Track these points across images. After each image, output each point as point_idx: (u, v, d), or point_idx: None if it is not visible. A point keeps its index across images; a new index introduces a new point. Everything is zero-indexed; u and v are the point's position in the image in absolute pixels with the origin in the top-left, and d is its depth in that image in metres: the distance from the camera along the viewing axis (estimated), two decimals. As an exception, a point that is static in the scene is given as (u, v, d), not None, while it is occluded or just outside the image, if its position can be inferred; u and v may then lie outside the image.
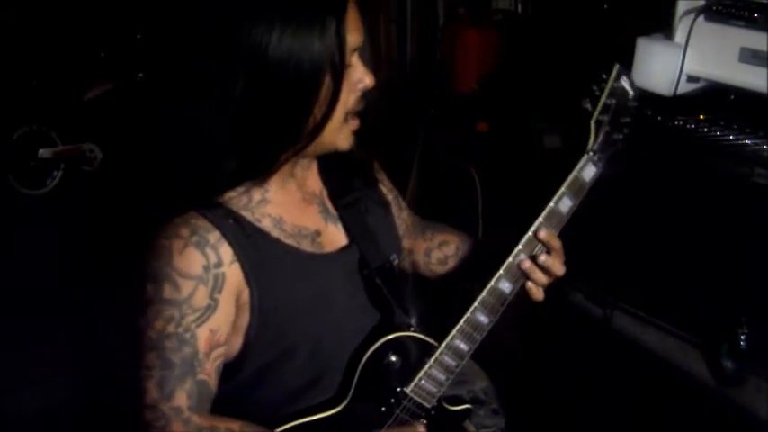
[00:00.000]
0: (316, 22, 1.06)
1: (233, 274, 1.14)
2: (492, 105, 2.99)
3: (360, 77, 1.15)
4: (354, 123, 1.20)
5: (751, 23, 1.57)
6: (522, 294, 1.30)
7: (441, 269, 1.52)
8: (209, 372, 1.15)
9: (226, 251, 1.14)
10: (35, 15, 4.06)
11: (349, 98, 1.15)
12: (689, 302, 1.88)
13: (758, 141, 1.62)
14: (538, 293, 1.28)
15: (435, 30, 3.30)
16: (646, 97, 1.67)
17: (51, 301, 3.13)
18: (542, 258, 1.24)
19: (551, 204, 1.25)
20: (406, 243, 1.51)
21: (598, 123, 1.25)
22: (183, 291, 1.11)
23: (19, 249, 3.49)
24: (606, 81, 1.24)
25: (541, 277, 1.26)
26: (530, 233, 1.25)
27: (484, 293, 1.26)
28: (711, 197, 1.78)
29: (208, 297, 1.13)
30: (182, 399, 1.13)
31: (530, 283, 1.27)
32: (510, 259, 1.26)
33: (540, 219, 1.25)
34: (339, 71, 1.09)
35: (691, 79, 1.74)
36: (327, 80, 1.09)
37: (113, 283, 3.18)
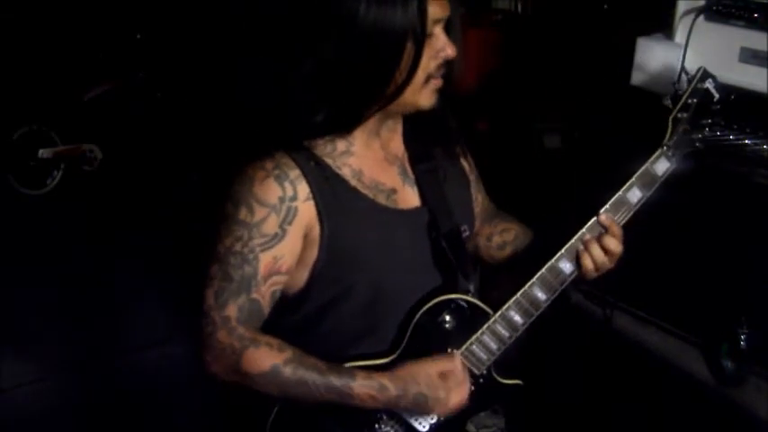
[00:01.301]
0: None
1: (306, 210, 1.24)
2: (492, 105, 2.99)
3: (441, 47, 1.24)
4: (437, 82, 1.28)
5: (751, 23, 1.57)
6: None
7: (498, 254, 1.56)
8: (263, 294, 1.24)
9: (303, 188, 1.24)
10: (35, 15, 4.06)
11: (430, 64, 1.24)
12: (689, 302, 1.88)
13: (758, 141, 1.62)
14: (592, 273, 1.33)
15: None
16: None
17: (51, 301, 3.13)
18: (605, 240, 1.30)
19: (620, 193, 1.31)
20: (476, 226, 1.56)
21: (676, 120, 1.30)
22: (256, 216, 1.22)
23: (19, 249, 3.49)
24: (690, 81, 1.29)
25: (599, 254, 1.30)
26: (595, 218, 1.30)
27: (543, 270, 1.31)
28: (712, 197, 1.78)
29: (277, 226, 1.23)
30: (232, 310, 1.22)
31: (586, 260, 1.31)
32: (573, 240, 1.31)
33: (607, 206, 1.31)
34: (420, 40, 1.19)
35: (691, 79, 1.74)
36: (409, 47, 1.19)
37: (113, 282, 3.18)
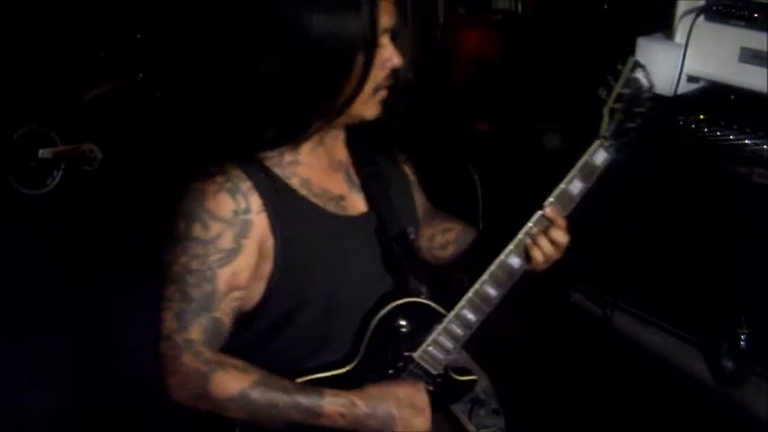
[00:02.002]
0: (351, 5, 1.16)
1: (260, 222, 1.22)
2: (492, 105, 2.99)
3: (389, 57, 1.24)
4: (382, 93, 1.28)
5: (751, 23, 1.57)
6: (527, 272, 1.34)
7: (441, 254, 1.57)
8: (225, 311, 1.21)
9: (255, 200, 1.22)
10: (35, 15, 4.06)
11: (378, 74, 1.24)
12: (689, 302, 1.88)
13: (758, 141, 1.63)
14: (542, 265, 1.34)
15: (435, 29, 3.30)
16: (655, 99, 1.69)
17: (51, 301, 3.13)
18: (552, 232, 1.31)
19: (562, 185, 1.32)
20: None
21: (611, 111, 1.31)
22: (211, 231, 1.19)
23: (19, 249, 3.49)
24: (621, 71, 1.30)
25: (547, 246, 1.31)
26: (539, 212, 1.32)
27: (493, 267, 1.32)
28: (711, 197, 1.78)
29: (233, 240, 1.20)
30: (195, 332, 1.19)
31: (535, 254, 1.32)
32: (520, 235, 1.32)
33: (551, 198, 1.32)
34: (370, 50, 1.19)
35: (691, 79, 1.74)
36: (360, 58, 1.19)
37: (113, 282, 3.19)
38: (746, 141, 1.64)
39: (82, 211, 3.87)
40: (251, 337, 1.29)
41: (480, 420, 2.77)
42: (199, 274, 1.19)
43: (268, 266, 1.24)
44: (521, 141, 2.86)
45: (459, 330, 1.34)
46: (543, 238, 1.31)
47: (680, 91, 1.73)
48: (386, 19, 1.21)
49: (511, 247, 1.32)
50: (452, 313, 1.33)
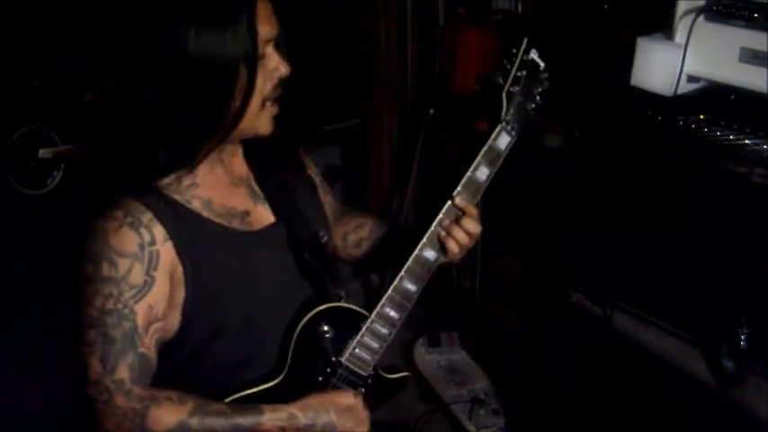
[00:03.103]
0: (228, 19, 1.15)
1: (166, 251, 1.21)
2: (491, 105, 2.98)
3: (275, 66, 1.23)
4: (273, 109, 1.27)
5: (751, 23, 1.57)
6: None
7: (356, 252, 1.58)
8: (148, 345, 1.21)
9: (158, 230, 1.21)
10: (35, 15, 4.06)
11: (265, 86, 1.23)
12: (689, 302, 1.88)
13: (758, 141, 1.62)
14: (458, 255, 1.35)
15: (435, 30, 3.30)
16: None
17: (51, 301, 3.13)
18: (464, 222, 1.32)
19: (468, 173, 1.35)
20: None
21: (509, 95, 1.36)
22: (121, 268, 1.18)
23: (19, 249, 3.49)
24: (516, 55, 1.33)
25: (462, 236, 1.33)
26: (449, 202, 1.33)
27: (410, 262, 1.32)
28: (711, 197, 1.78)
29: (144, 274, 1.19)
30: (124, 372, 1.18)
31: (450, 245, 1.32)
32: (432, 227, 1.33)
33: (459, 187, 1.34)
34: (253, 62, 1.18)
35: (691, 79, 1.74)
36: (243, 72, 1.17)
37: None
38: (746, 141, 1.64)
39: (82, 211, 3.87)
40: (177, 363, 1.28)
41: (480, 420, 2.77)
42: (117, 314, 1.17)
43: (181, 294, 1.23)
44: (521, 141, 2.85)
45: (383, 329, 1.35)
46: (456, 228, 1.32)
47: (680, 91, 1.73)
48: (267, 28, 1.19)
49: (424, 240, 1.32)
50: (374, 313, 1.34)
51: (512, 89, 1.35)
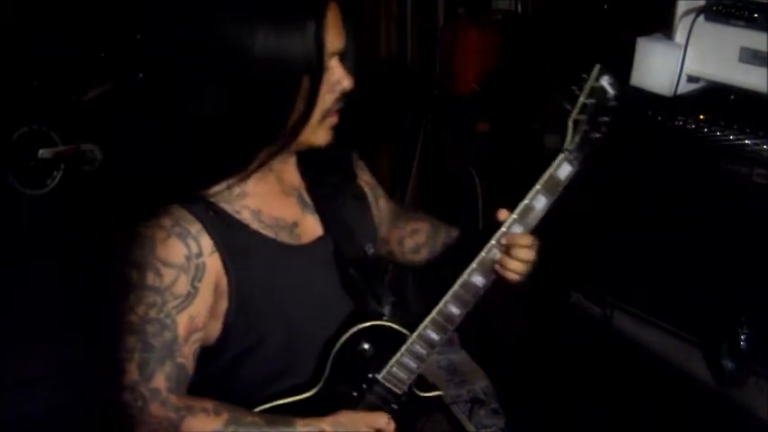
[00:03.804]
0: (296, 26, 1.11)
1: (213, 263, 1.20)
2: (492, 105, 2.98)
3: (338, 80, 1.20)
4: (332, 120, 1.24)
5: (751, 23, 1.57)
6: (513, 289, 1.33)
7: (415, 257, 1.57)
8: (186, 355, 1.20)
9: (206, 242, 1.19)
10: (35, 15, 4.06)
11: (326, 99, 1.20)
12: (689, 302, 1.88)
13: (758, 141, 1.62)
14: (515, 281, 1.33)
15: (435, 30, 3.30)
16: (646, 100, 1.67)
17: (51, 301, 3.13)
18: (515, 252, 1.29)
19: (525, 201, 1.29)
20: (383, 232, 1.56)
21: (576, 123, 1.28)
22: (166, 279, 1.16)
23: (19, 249, 3.49)
24: (586, 81, 1.26)
25: (517, 267, 1.30)
26: (503, 228, 1.29)
27: (456, 286, 1.30)
28: (711, 197, 1.78)
29: (189, 285, 1.18)
30: (160, 381, 1.17)
31: (507, 275, 1.31)
32: (483, 254, 1.29)
33: (514, 215, 1.29)
34: (317, 74, 1.15)
35: (691, 79, 1.74)
36: (305, 82, 1.14)
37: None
38: (746, 141, 1.64)
39: (82, 211, 3.87)
40: (215, 370, 1.28)
41: (480, 420, 2.78)
42: (158, 323, 1.16)
43: (224, 305, 1.22)
44: (521, 141, 2.85)
45: (422, 350, 1.33)
46: (509, 259, 1.29)
47: (680, 91, 1.73)
48: (334, 40, 1.16)
49: (474, 265, 1.29)
50: (415, 334, 1.32)
51: (578, 117, 1.28)
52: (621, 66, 1.84)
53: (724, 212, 1.76)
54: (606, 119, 1.28)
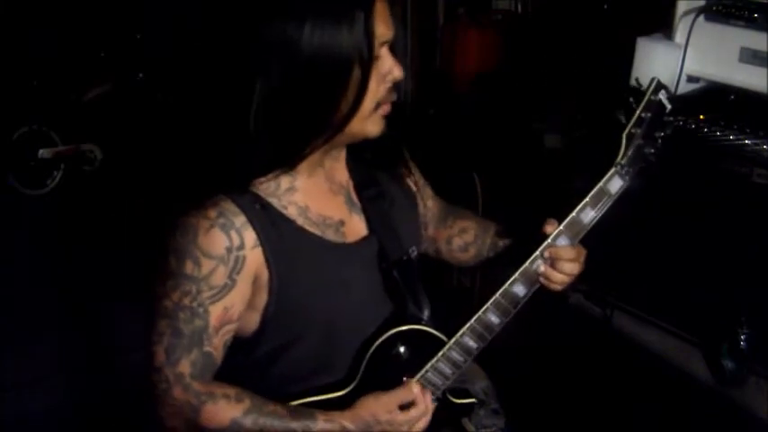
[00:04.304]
0: (345, 16, 1.11)
1: (254, 257, 1.19)
2: (492, 105, 2.99)
3: (389, 69, 1.19)
4: (385, 109, 1.23)
5: (751, 23, 1.57)
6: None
7: (463, 257, 1.56)
8: (216, 345, 1.20)
9: (249, 235, 1.18)
10: (35, 15, 4.06)
11: (378, 89, 1.19)
12: (689, 302, 1.88)
13: (758, 141, 1.62)
14: (559, 290, 1.32)
15: (435, 30, 3.30)
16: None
17: (51, 301, 3.13)
18: (560, 265, 1.27)
19: (573, 214, 1.26)
20: (430, 231, 1.56)
21: (630, 136, 1.24)
22: (204, 269, 1.17)
23: (19, 249, 3.49)
24: (644, 94, 1.22)
25: (562, 279, 1.28)
26: (549, 240, 1.26)
27: (497, 295, 1.29)
28: (711, 197, 1.78)
29: (226, 277, 1.18)
30: (185, 366, 1.18)
31: (551, 286, 1.30)
32: (526, 264, 1.27)
33: (561, 227, 1.26)
34: (367, 63, 1.13)
35: (691, 79, 1.74)
36: (356, 72, 1.13)
37: (113, 282, 3.18)
38: (746, 141, 1.64)
39: (82, 211, 3.87)
40: (249, 362, 1.28)
41: (480, 420, 2.77)
42: (190, 311, 1.17)
43: (263, 299, 1.22)
44: (521, 141, 2.85)
45: (458, 357, 1.32)
46: (553, 271, 1.27)
47: (680, 91, 1.73)
48: (383, 30, 1.15)
49: (516, 275, 1.28)
50: (453, 340, 1.31)
51: (633, 130, 1.23)
52: (621, 66, 1.84)
53: (724, 213, 1.76)
54: (662, 134, 1.25)
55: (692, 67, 1.71)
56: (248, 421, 1.20)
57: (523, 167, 2.77)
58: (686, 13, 1.70)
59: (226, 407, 1.21)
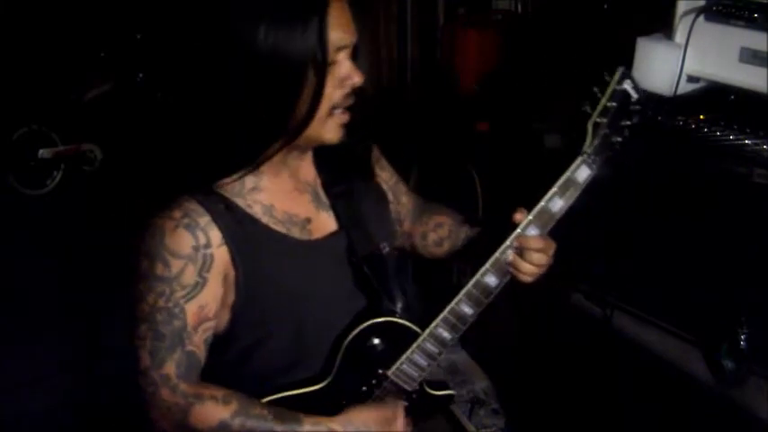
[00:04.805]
0: (298, 20, 1.13)
1: (221, 255, 1.22)
2: (492, 105, 2.99)
3: (347, 74, 1.20)
4: (343, 117, 1.24)
5: (751, 23, 1.57)
6: (515, 287, 1.32)
7: (437, 251, 1.57)
8: (197, 344, 1.23)
9: (215, 234, 1.21)
10: (35, 15, 4.06)
11: (335, 93, 1.20)
12: (689, 302, 1.88)
13: (758, 141, 1.62)
14: (528, 282, 1.32)
15: (435, 30, 3.31)
16: (650, 100, 1.66)
17: (51, 301, 3.13)
18: (528, 255, 1.27)
19: (542, 203, 1.28)
20: (406, 226, 1.58)
21: (596, 126, 1.26)
22: (174, 269, 1.19)
23: (19, 249, 3.49)
24: (608, 84, 1.24)
25: (530, 270, 1.29)
26: (518, 230, 1.27)
27: (469, 286, 1.30)
28: (711, 197, 1.78)
29: (196, 275, 1.20)
30: (171, 367, 1.21)
31: (519, 277, 1.30)
32: (497, 255, 1.28)
33: (530, 216, 1.27)
34: (322, 68, 1.15)
35: (691, 79, 1.74)
36: (311, 76, 1.15)
37: (113, 282, 3.18)
38: (746, 141, 1.64)
39: (82, 211, 3.87)
40: (226, 359, 1.30)
41: (480, 420, 2.77)
42: (167, 312, 1.20)
43: (232, 296, 1.25)
44: (521, 141, 2.85)
45: (433, 348, 1.33)
46: (522, 261, 1.28)
47: (680, 91, 1.73)
48: (340, 35, 1.16)
49: (487, 266, 1.28)
50: (426, 332, 1.32)
51: (599, 120, 1.25)
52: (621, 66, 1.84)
53: (724, 212, 1.76)
54: (629, 122, 1.26)
55: (692, 67, 1.70)
56: (236, 423, 1.22)
57: (523, 167, 2.77)
58: (686, 13, 1.70)
59: (214, 408, 1.23)
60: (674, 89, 1.72)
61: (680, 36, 1.71)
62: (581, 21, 2.53)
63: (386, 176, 1.53)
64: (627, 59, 1.81)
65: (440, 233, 1.55)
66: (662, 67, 1.73)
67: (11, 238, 3.54)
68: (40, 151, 4.06)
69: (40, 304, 3.10)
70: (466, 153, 3.00)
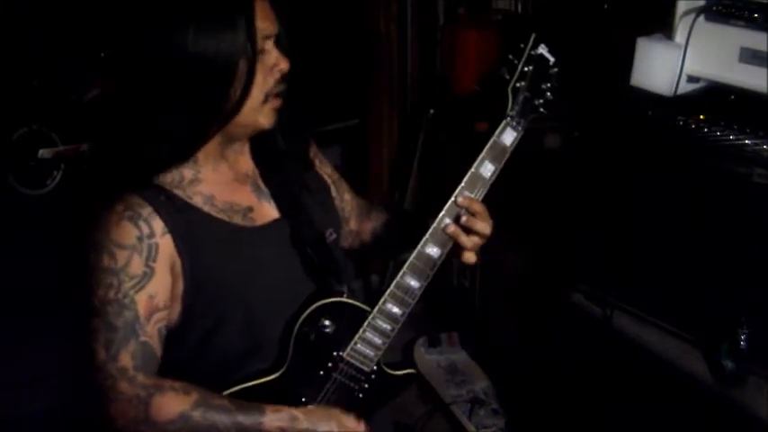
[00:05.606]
0: (226, 18, 1.19)
1: (165, 244, 1.24)
2: (492, 105, 2.98)
3: (275, 61, 1.26)
4: (275, 102, 1.29)
5: (751, 23, 1.57)
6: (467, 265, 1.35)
7: (380, 243, 1.60)
8: (150, 334, 1.23)
9: (158, 224, 1.23)
10: (35, 15, 4.06)
11: (266, 81, 1.26)
12: (689, 302, 1.88)
13: (758, 141, 1.62)
14: (470, 257, 1.35)
15: (435, 30, 3.30)
16: (649, 100, 1.66)
17: (51, 301, 3.13)
18: (464, 219, 1.31)
19: (472, 170, 1.33)
20: (352, 225, 1.60)
21: (515, 90, 1.34)
22: (120, 260, 1.21)
23: (19, 249, 3.49)
24: (523, 50, 1.31)
25: (469, 239, 1.32)
26: (452, 198, 1.31)
27: (412, 258, 1.32)
28: (711, 197, 1.78)
29: (143, 265, 1.22)
30: (126, 359, 1.21)
31: (460, 242, 1.32)
32: (435, 224, 1.31)
33: (462, 184, 1.32)
34: (252, 59, 1.21)
35: (691, 79, 1.74)
36: (242, 67, 1.21)
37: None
38: (746, 141, 1.64)
39: (82, 211, 3.87)
40: (182, 354, 1.31)
41: (480, 420, 2.77)
42: (117, 303, 1.21)
43: (180, 286, 1.26)
44: (521, 141, 2.85)
45: (385, 325, 1.34)
46: (461, 228, 1.31)
47: (680, 91, 1.73)
48: (265, 25, 1.23)
49: (427, 236, 1.31)
50: (376, 308, 1.33)
51: (518, 84, 1.33)
52: (621, 66, 1.84)
53: (724, 212, 1.76)
54: (549, 85, 1.34)
55: (692, 67, 1.71)
56: (197, 414, 1.22)
57: (523, 167, 2.77)
58: (686, 13, 1.70)
59: (174, 399, 1.22)
60: (674, 89, 1.72)
61: (680, 36, 1.72)
62: (581, 20, 2.53)
63: (327, 171, 1.55)
64: (627, 59, 1.81)
65: (389, 228, 1.57)
66: (662, 67, 1.73)
67: (11, 238, 3.54)
68: (40, 151, 4.06)
69: (40, 304, 3.10)
70: (466, 153, 3.00)
